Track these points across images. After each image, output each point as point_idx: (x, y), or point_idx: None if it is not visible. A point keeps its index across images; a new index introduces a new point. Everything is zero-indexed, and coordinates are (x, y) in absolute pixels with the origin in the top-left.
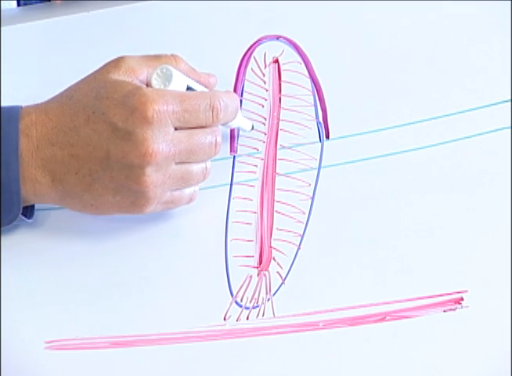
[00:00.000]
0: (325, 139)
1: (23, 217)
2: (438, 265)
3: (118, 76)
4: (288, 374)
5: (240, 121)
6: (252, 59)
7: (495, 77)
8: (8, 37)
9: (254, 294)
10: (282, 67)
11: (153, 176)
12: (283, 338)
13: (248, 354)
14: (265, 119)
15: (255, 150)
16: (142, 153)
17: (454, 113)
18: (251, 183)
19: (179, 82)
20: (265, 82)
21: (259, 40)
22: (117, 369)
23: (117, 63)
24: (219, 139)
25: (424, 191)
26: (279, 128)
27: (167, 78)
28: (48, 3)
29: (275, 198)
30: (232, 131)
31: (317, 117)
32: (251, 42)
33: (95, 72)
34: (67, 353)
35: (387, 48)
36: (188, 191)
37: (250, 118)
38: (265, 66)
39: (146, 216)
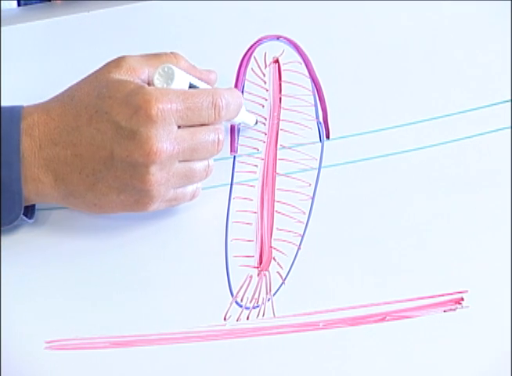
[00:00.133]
0: (325, 139)
1: (24, 217)
2: (438, 266)
3: (119, 75)
4: (288, 374)
5: (244, 117)
6: (252, 59)
7: (495, 77)
8: (8, 37)
9: (254, 294)
10: (282, 67)
11: (157, 175)
12: (284, 338)
13: (248, 354)
14: (266, 119)
15: (255, 150)
16: (146, 152)
17: (454, 114)
18: (251, 183)
19: (181, 80)
20: (265, 82)
21: (259, 40)
22: (117, 369)
23: (117, 62)
24: (222, 136)
25: (425, 191)
26: (280, 128)
27: (170, 77)
28: (48, 3)
29: (276, 198)
30: (232, 131)
31: (317, 117)
32: (251, 42)
33: (95, 72)
34: (67, 353)
35: (387, 48)
36: (191, 188)
37: None
38: (266, 66)
39: (146, 216)
